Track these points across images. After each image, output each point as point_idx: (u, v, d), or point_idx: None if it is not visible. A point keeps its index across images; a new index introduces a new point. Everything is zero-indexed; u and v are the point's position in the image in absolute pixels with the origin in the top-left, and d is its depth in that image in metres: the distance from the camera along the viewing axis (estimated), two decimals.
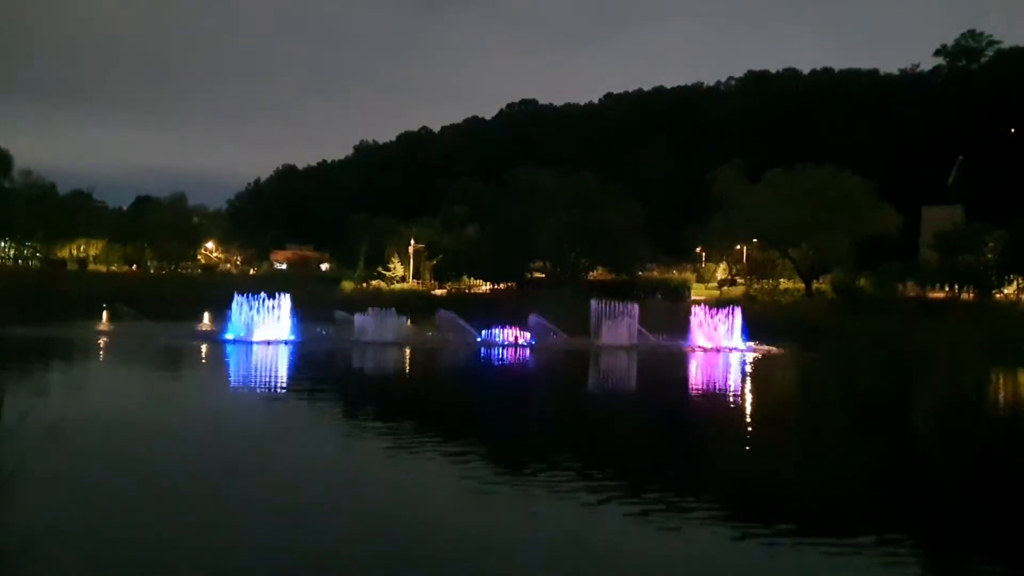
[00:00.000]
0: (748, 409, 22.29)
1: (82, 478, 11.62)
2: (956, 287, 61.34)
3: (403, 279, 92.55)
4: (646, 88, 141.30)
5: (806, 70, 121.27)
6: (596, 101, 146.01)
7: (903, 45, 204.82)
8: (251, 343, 32.85)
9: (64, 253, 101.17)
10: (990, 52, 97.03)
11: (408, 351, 34.39)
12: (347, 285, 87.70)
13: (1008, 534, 10.91)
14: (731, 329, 38.54)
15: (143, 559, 8.58)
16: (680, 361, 34.34)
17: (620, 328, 37.67)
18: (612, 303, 38.78)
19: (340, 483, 12.23)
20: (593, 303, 38.64)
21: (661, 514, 10.92)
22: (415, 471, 13.06)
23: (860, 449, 16.96)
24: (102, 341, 34.42)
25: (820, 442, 17.60)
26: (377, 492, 11.83)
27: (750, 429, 19.03)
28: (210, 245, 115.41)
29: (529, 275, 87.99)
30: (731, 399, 24.48)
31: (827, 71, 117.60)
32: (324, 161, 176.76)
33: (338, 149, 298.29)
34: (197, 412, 18.47)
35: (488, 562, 9.03)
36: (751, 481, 13.44)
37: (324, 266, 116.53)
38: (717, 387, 27.65)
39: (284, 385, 24.08)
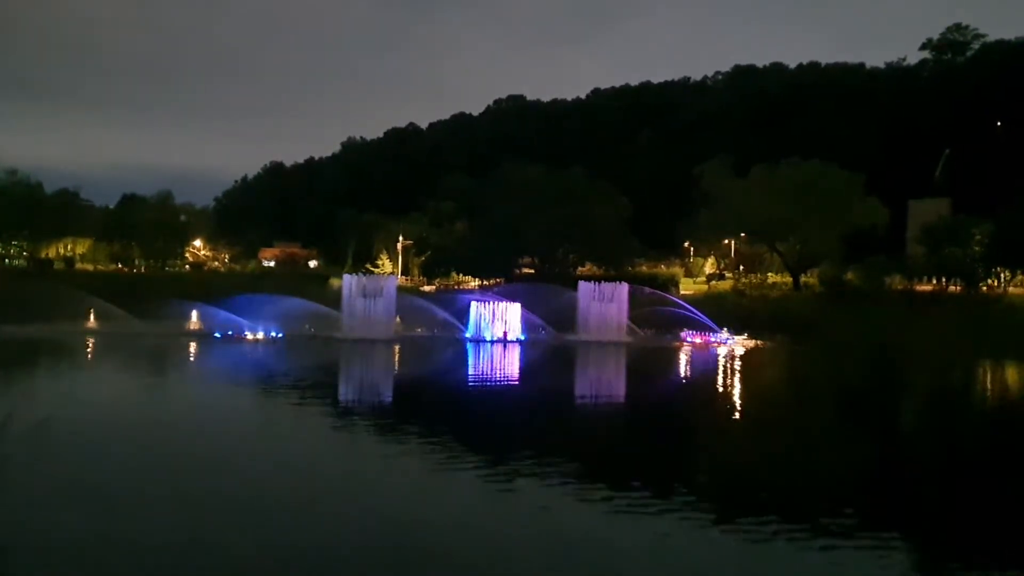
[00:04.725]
0: (736, 399, 22.40)
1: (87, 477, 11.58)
2: (943, 280, 61.65)
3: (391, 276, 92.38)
4: (633, 83, 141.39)
5: (793, 64, 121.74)
6: (584, 96, 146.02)
7: (889, 39, 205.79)
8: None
9: (51, 252, 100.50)
10: (975, 45, 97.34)
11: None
12: (335, 282, 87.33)
13: (991, 524, 11.01)
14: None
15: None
16: (669, 355, 34.47)
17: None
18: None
19: None
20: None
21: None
22: None
23: (847, 439, 17.09)
24: (90, 341, 33.96)
25: (807, 432, 17.71)
26: None
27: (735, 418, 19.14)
28: (197, 243, 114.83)
29: (518, 271, 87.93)
30: (719, 391, 24.62)
31: (814, 65, 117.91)
32: (312, 158, 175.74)
33: (326, 146, 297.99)
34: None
35: None
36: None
37: (312, 263, 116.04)
38: (703, 380, 27.80)
39: None
